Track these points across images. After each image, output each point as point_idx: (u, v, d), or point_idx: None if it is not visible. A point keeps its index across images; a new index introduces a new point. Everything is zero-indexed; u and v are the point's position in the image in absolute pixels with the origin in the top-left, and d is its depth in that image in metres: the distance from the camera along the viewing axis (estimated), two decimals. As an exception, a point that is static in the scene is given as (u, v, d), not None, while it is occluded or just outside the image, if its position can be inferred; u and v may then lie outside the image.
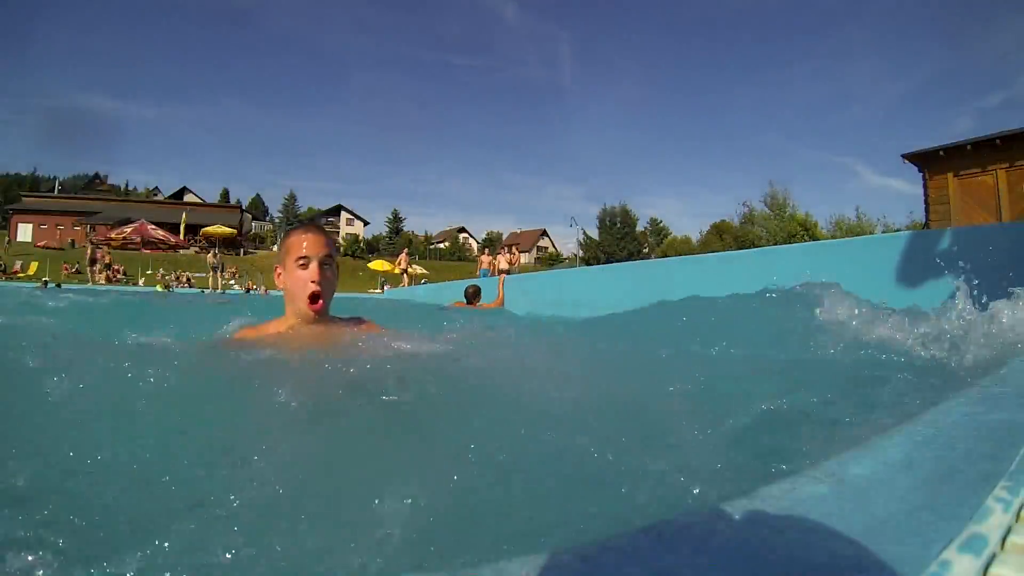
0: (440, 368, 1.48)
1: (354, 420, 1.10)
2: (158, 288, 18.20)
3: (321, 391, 1.24)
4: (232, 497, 0.75)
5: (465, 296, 7.00)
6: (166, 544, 0.64)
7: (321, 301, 1.71)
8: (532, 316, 6.22)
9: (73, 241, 37.52)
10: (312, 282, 1.70)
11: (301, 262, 1.72)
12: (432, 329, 2.09)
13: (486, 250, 15.59)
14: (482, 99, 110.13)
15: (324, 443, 0.98)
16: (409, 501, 0.73)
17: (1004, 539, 0.47)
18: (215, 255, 22.21)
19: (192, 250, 37.85)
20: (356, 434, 1.03)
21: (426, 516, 0.72)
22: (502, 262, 14.49)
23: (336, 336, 1.76)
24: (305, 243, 1.73)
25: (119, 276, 26.25)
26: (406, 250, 22.52)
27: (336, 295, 1.81)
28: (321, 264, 1.73)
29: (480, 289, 7.22)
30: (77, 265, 29.00)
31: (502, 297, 7.45)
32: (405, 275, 19.59)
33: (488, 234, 64.35)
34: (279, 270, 1.80)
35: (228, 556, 0.63)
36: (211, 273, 21.77)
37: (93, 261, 22.25)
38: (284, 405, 1.09)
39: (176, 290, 19.09)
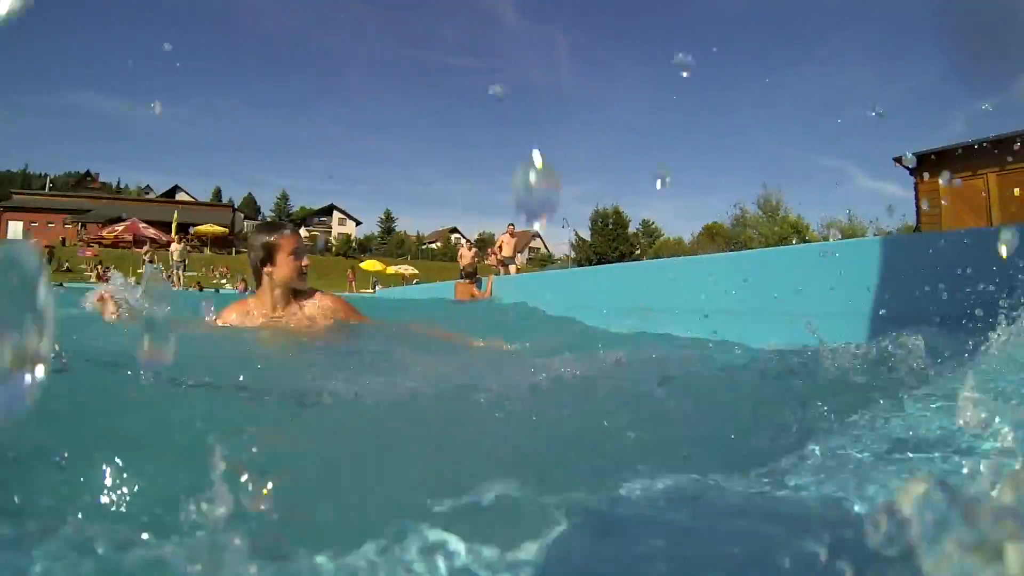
0: None
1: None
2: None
3: None
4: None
5: (465, 275, 8.47)
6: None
7: None
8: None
9: (64, 239, 37.17)
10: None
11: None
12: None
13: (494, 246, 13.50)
14: (476, 100, 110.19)
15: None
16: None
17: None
18: (183, 253, 18.68)
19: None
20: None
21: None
22: (507, 248, 12.96)
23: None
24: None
25: (108, 275, 26.05)
26: (511, 226, 13.49)
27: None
28: None
29: (476, 268, 8.68)
30: (67, 263, 28.83)
31: (491, 290, 8.09)
32: (509, 267, 12.79)
33: (480, 235, 64.13)
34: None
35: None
36: (173, 271, 17.65)
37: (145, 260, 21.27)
38: None
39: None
